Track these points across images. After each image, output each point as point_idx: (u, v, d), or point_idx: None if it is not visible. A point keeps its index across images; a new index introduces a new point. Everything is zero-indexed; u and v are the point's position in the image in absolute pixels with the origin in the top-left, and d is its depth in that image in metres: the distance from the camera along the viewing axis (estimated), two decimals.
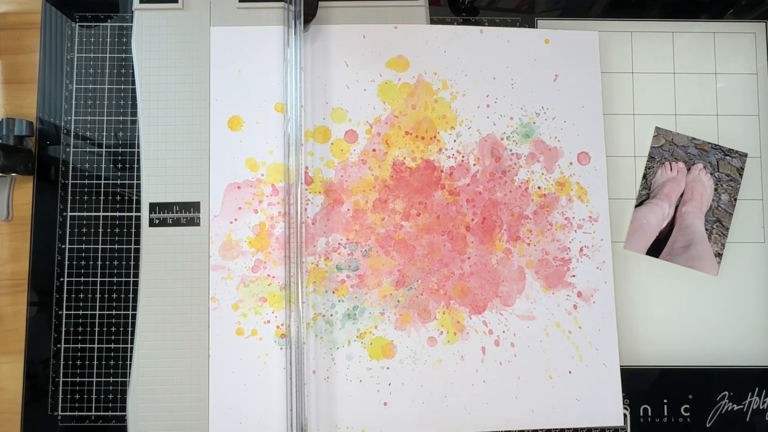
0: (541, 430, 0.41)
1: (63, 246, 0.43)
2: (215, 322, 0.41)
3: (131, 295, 0.42)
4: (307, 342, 0.41)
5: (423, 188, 0.43)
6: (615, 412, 0.41)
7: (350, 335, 0.42)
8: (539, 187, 0.43)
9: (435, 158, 0.43)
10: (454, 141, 0.44)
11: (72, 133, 0.44)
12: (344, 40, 0.44)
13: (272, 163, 0.43)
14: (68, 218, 0.43)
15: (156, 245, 0.41)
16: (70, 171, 0.44)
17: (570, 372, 0.41)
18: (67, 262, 0.43)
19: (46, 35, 0.45)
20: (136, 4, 0.43)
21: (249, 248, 0.42)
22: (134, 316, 0.41)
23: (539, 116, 0.44)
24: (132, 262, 0.43)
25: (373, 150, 0.43)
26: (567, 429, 0.41)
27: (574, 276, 0.42)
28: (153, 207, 0.41)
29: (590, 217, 0.43)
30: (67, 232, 0.43)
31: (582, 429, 0.41)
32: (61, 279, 0.43)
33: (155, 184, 0.42)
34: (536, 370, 0.42)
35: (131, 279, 0.42)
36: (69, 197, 0.43)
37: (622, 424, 0.41)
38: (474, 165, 0.43)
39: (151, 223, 0.41)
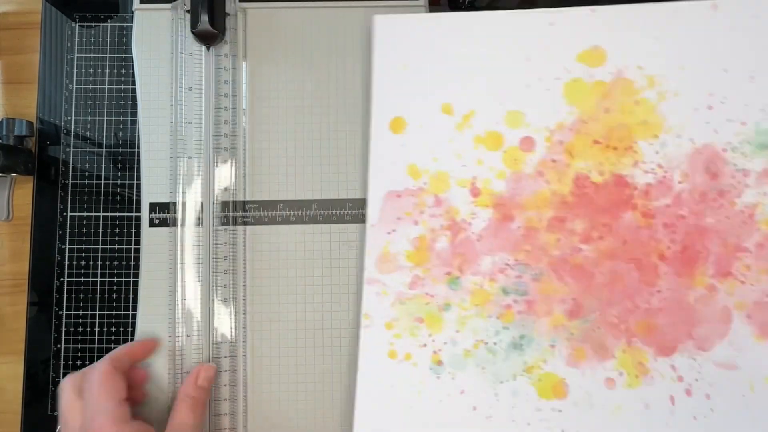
0: None
1: (63, 246, 0.43)
2: (367, 342, 0.37)
3: (131, 296, 0.42)
4: (466, 372, 0.37)
5: (609, 208, 0.37)
6: None
7: (516, 368, 0.37)
8: None
9: (628, 173, 0.37)
10: (656, 153, 0.37)
11: (72, 133, 0.44)
12: (526, 29, 0.38)
13: (436, 171, 0.38)
14: (68, 218, 0.43)
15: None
16: (70, 171, 0.44)
17: None
18: (67, 262, 0.43)
19: (46, 35, 0.45)
20: (136, 4, 0.43)
21: (407, 263, 0.38)
22: (134, 316, 0.41)
23: None
24: (132, 262, 0.43)
25: (553, 161, 0.38)
26: None
27: None
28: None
29: None
30: (67, 232, 0.43)
31: None
32: (61, 279, 0.43)
33: (156, 185, 0.42)
34: (738, 430, 0.35)
35: (131, 279, 0.42)
36: (69, 197, 0.43)
37: None
38: (679, 183, 0.36)
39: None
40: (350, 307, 0.41)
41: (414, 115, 0.39)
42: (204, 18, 0.39)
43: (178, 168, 0.41)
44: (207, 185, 0.41)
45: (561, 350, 0.37)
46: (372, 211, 0.39)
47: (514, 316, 0.37)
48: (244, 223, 0.41)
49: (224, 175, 0.41)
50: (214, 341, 0.40)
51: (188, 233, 0.40)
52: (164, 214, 0.41)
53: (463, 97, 0.38)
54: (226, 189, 0.41)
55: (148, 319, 0.40)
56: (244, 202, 0.42)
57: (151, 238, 0.41)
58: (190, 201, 0.41)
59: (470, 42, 0.38)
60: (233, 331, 0.40)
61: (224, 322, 0.40)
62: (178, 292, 0.40)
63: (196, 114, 0.41)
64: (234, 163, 0.41)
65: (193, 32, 0.40)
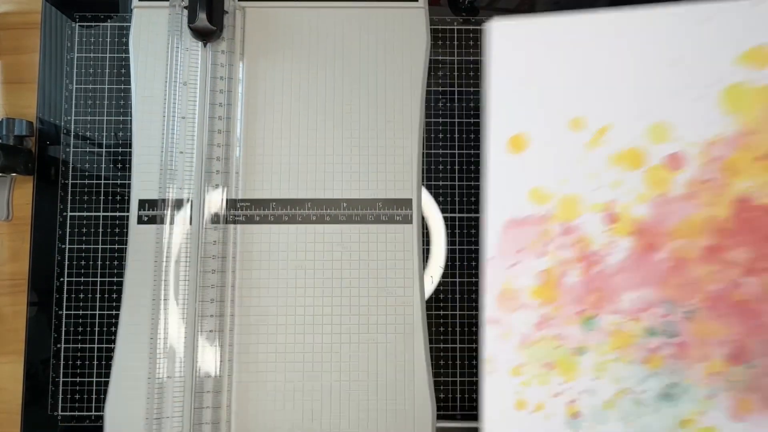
0: None
1: (63, 246, 0.43)
2: (491, 389, 0.34)
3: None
4: (607, 426, 0.34)
5: None
6: None
7: (668, 422, 0.33)
8: None
9: None
10: None
11: (72, 133, 0.44)
12: (670, 29, 0.34)
13: (564, 195, 0.35)
14: (68, 218, 0.43)
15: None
16: (70, 171, 0.44)
17: None
18: (67, 262, 0.43)
19: (46, 35, 0.45)
20: (135, 2, 0.43)
21: (533, 300, 0.35)
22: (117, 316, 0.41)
23: None
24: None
25: (707, 180, 0.33)
26: None
27: None
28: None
29: None
30: (67, 232, 0.43)
31: None
32: (61, 279, 0.43)
33: (146, 181, 0.41)
34: None
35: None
36: (69, 197, 0.43)
37: None
38: None
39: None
40: (341, 311, 0.40)
41: (537, 131, 0.35)
42: (202, 15, 0.39)
43: (169, 164, 0.41)
44: (198, 182, 0.40)
45: (722, 401, 0.32)
46: (490, 243, 0.35)
47: (663, 361, 0.33)
48: (235, 222, 0.41)
49: (216, 172, 0.41)
50: (197, 346, 0.39)
51: (177, 231, 0.40)
52: (153, 211, 0.41)
53: (596, 110, 0.34)
54: (217, 186, 0.41)
55: (131, 320, 0.40)
56: (236, 200, 0.42)
57: (138, 235, 0.41)
58: (180, 198, 0.40)
59: (602, 45, 0.34)
60: (218, 335, 0.39)
61: (209, 324, 0.39)
62: (162, 291, 0.39)
63: (190, 109, 0.41)
64: (227, 160, 0.41)
65: (190, 27, 0.40)
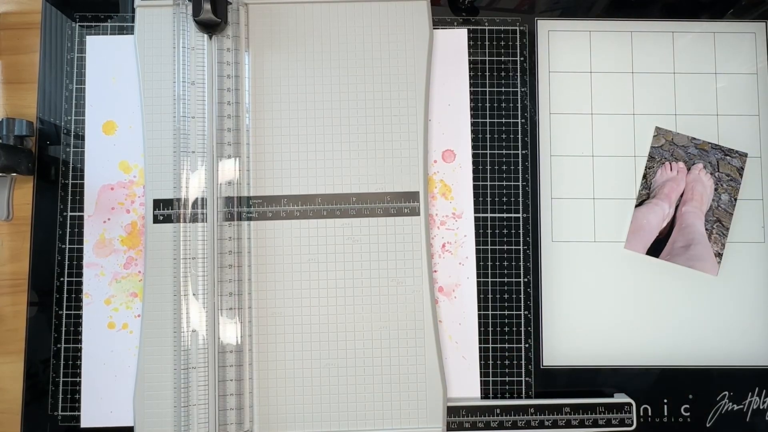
0: None
1: (63, 246, 0.43)
2: None
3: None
4: None
5: None
6: None
7: None
8: None
9: None
10: None
11: (72, 133, 0.44)
12: None
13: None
14: (68, 218, 0.43)
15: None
16: (70, 171, 0.44)
17: None
18: (67, 262, 0.43)
19: (46, 35, 0.45)
20: (138, 1, 0.43)
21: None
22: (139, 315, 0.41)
23: None
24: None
25: None
26: None
27: None
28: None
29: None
30: (67, 232, 0.43)
31: None
32: (61, 279, 0.43)
33: (160, 181, 0.42)
34: None
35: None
36: (69, 197, 0.43)
37: None
38: None
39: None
40: (354, 300, 0.41)
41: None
42: (207, 6, 0.39)
43: (182, 164, 0.41)
44: (211, 181, 0.41)
45: None
46: None
47: None
48: (249, 219, 0.42)
49: (228, 170, 0.41)
50: (219, 336, 0.40)
51: (192, 229, 0.41)
52: (168, 210, 0.41)
53: None
54: (229, 184, 0.41)
55: (154, 315, 0.41)
56: (248, 198, 0.42)
57: (155, 234, 0.41)
58: (194, 197, 0.41)
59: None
60: (238, 326, 0.40)
61: (230, 317, 0.40)
62: (181, 287, 0.40)
63: (199, 109, 0.41)
64: (237, 159, 0.42)
65: (195, 20, 0.40)
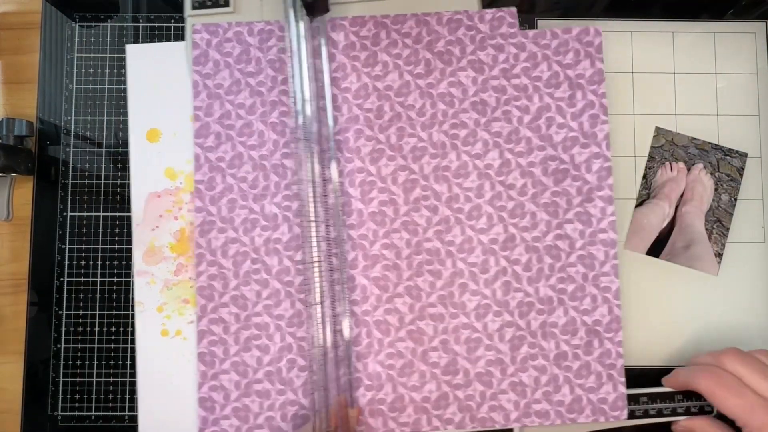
0: None
1: (63, 246, 0.43)
2: None
3: (131, 295, 0.42)
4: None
5: None
6: None
7: None
8: None
9: None
10: None
11: (72, 133, 0.44)
12: None
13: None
14: (68, 218, 0.43)
15: None
16: (70, 171, 0.44)
17: None
18: (67, 262, 0.43)
19: (46, 35, 0.45)
20: (189, 10, 0.42)
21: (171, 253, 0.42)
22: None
23: None
24: (133, 262, 0.43)
25: None
26: None
27: None
28: None
29: None
30: (67, 232, 0.43)
31: None
32: (61, 279, 0.43)
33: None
34: None
35: (132, 278, 0.42)
36: (69, 197, 0.43)
37: None
38: None
39: None
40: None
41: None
42: None
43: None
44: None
45: None
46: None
47: None
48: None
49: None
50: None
51: None
52: None
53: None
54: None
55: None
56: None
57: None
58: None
59: None
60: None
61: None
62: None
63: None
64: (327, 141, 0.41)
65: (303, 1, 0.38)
